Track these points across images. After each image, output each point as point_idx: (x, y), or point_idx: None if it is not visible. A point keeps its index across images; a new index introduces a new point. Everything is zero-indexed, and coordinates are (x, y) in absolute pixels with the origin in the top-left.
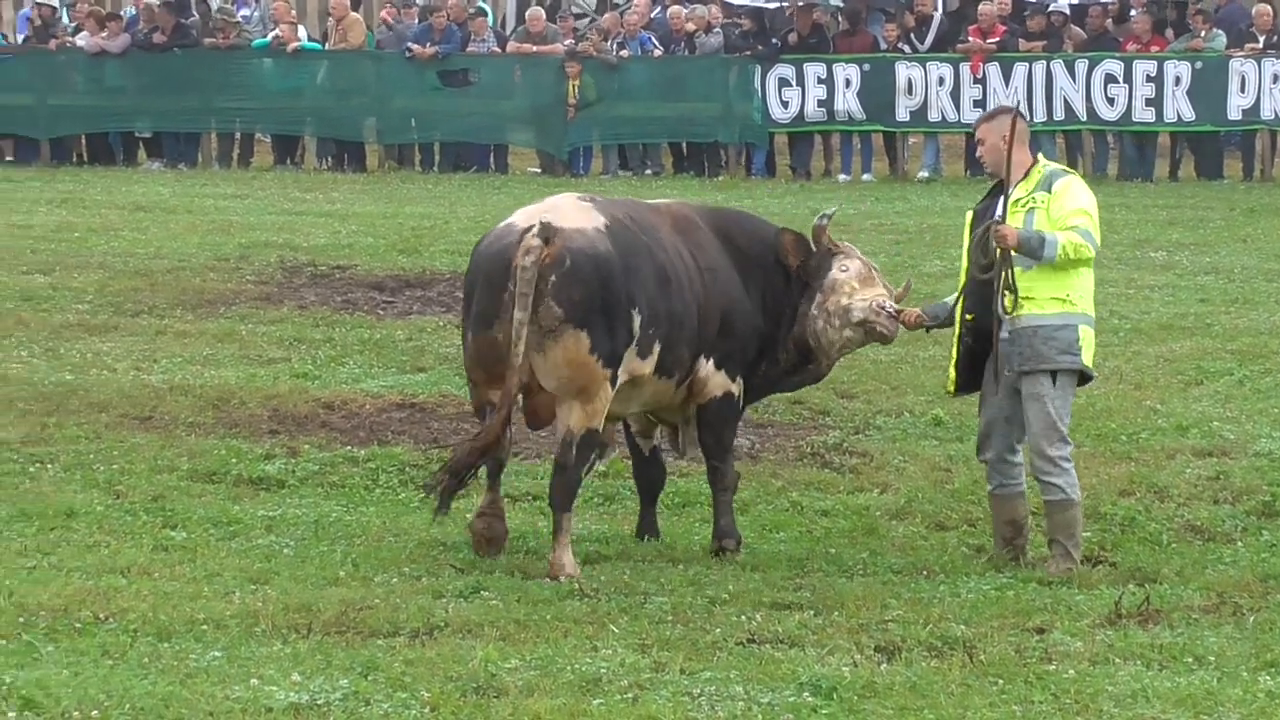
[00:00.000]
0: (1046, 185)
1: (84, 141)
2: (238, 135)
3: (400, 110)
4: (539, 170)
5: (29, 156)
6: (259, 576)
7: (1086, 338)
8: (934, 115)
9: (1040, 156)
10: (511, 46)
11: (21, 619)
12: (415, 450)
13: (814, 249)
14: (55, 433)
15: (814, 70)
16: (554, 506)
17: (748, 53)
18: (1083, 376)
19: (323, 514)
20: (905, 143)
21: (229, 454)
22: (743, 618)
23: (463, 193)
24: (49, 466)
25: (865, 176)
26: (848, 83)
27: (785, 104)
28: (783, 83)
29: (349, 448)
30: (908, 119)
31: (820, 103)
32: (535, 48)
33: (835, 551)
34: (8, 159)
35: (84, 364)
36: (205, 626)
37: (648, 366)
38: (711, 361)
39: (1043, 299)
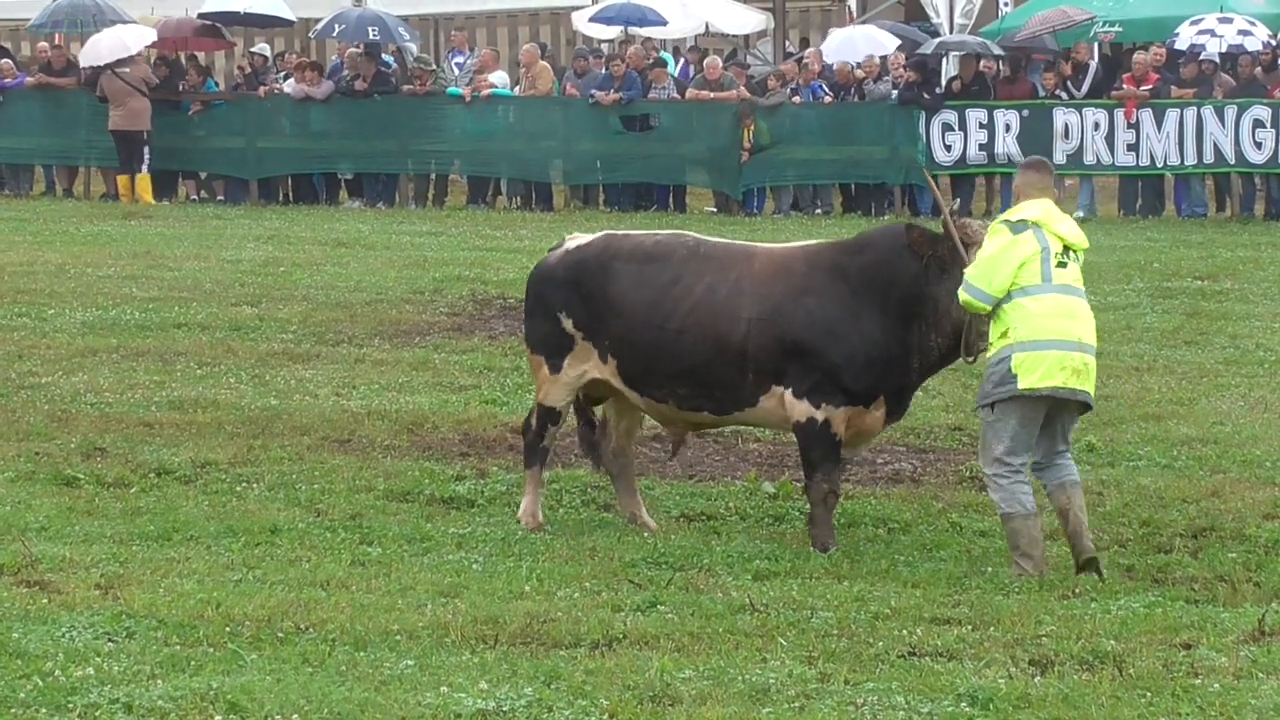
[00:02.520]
0: None
1: (290, 182)
2: (433, 176)
3: (585, 153)
4: (714, 210)
5: (239, 196)
6: (449, 590)
7: (1024, 363)
8: (1089, 158)
9: (1026, 203)
10: (690, 93)
11: (228, 629)
12: (596, 473)
13: (942, 239)
14: (261, 454)
15: (976, 116)
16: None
17: (915, 101)
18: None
19: (509, 532)
20: (1062, 184)
21: (422, 475)
22: (904, 632)
23: (641, 227)
24: (255, 486)
25: None
26: (1008, 127)
27: (948, 147)
28: (946, 127)
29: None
30: (1064, 161)
31: (981, 146)
32: (712, 94)
33: (992, 570)
34: (220, 198)
35: (288, 390)
36: (399, 637)
37: (607, 372)
38: (789, 390)
39: (994, 339)
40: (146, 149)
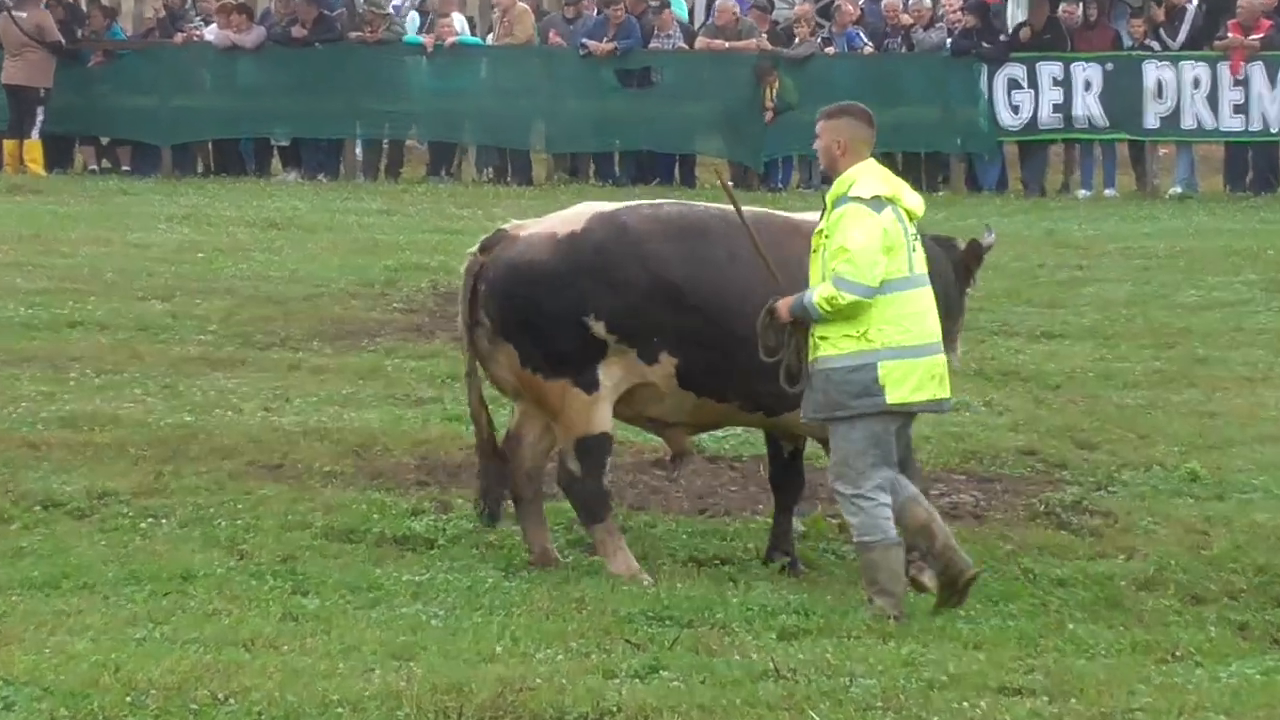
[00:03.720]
0: (833, 212)
1: (211, 149)
2: (386, 143)
3: (573, 115)
4: (731, 184)
5: (149, 166)
6: (403, 651)
7: (893, 373)
8: (1187, 122)
9: (859, 169)
10: (700, 43)
11: (129, 698)
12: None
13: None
14: (172, 483)
15: (1049, 70)
16: (584, 524)
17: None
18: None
19: (478, 579)
20: (1154, 154)
21: (371, 509)
22: (964, 704)
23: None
24: (164, 522)
25: (1108, 192)
26: (1088, 84)
27: (1015, 109)
28: (1012, 84)
29: (510, 503)
30: (1157, 126)
31: (1056, 107)
32: (727, 44)
33: (1073, 628)
34: (125, 169)
35: (206, 404)
36: (340, 709)
37: (656, 375)
38: None
39: (836, 337)
40: (41, 109)
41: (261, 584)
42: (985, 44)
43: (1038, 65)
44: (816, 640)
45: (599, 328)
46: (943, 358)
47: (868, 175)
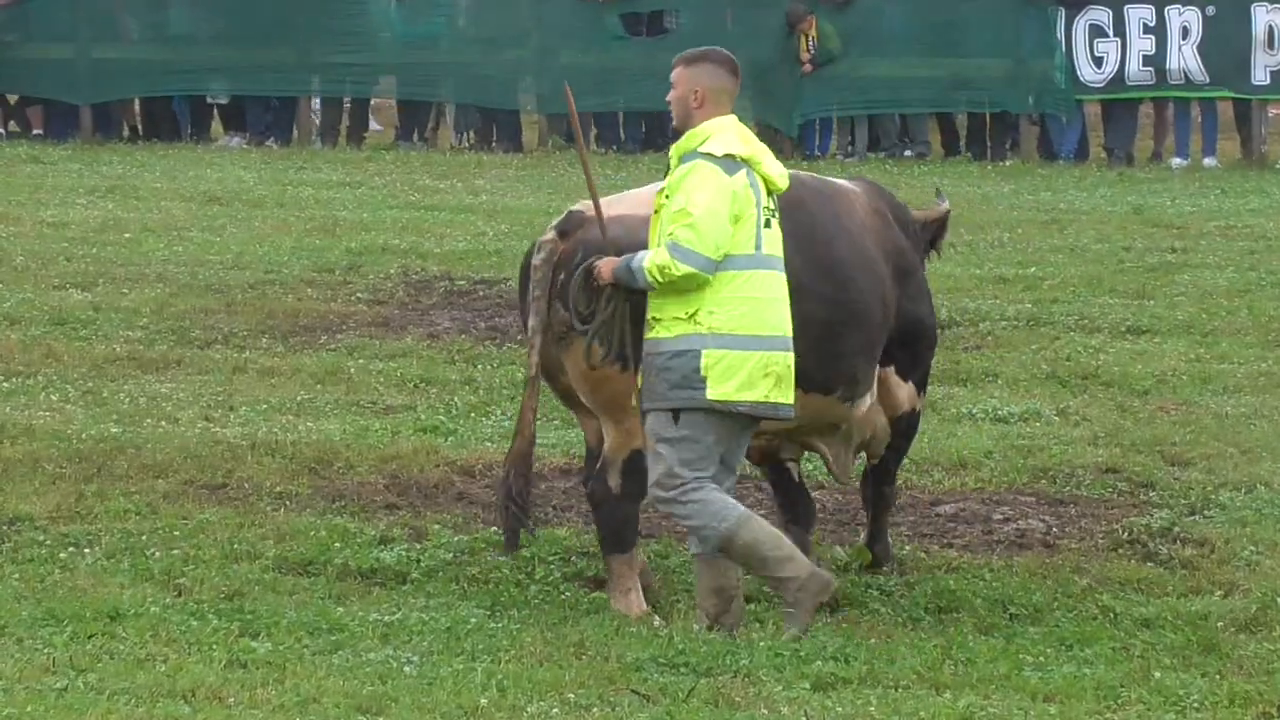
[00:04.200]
0: (679, 169)
1: (138, 109)
2: (348, 101)
3: (570, 68)
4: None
5: (65, 129)
6: (370, 704)
7: (719, 365)
8: None
9: (714, 124)
10: None
11: None
12: (586, 533)
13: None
14: (96, 505)
15: (1139, 14)
16: (604, 551)
17: None
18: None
19: (458, 619)
20: (1264, 115)
21: (331, 536)
22: None
23: (655, 180)
24: (87, 551)
25: (1207, 161)
26: (1185, 31)
27: (1099, 61)
28: (1095, 31)
29: (494, 529)
30: (1267, 82)
31: (1147, 59)
32: None
33: (1160, 676)
34: (36, 132)
35: (135, 412)
36: None
37: None
38: (894, 369)
39: (665, 319)
40: None
41: (203, 625)
42: None
43: (1125, 9)
44: (858, 691)
45: None
46: (786, 356)
47: (724, 131)
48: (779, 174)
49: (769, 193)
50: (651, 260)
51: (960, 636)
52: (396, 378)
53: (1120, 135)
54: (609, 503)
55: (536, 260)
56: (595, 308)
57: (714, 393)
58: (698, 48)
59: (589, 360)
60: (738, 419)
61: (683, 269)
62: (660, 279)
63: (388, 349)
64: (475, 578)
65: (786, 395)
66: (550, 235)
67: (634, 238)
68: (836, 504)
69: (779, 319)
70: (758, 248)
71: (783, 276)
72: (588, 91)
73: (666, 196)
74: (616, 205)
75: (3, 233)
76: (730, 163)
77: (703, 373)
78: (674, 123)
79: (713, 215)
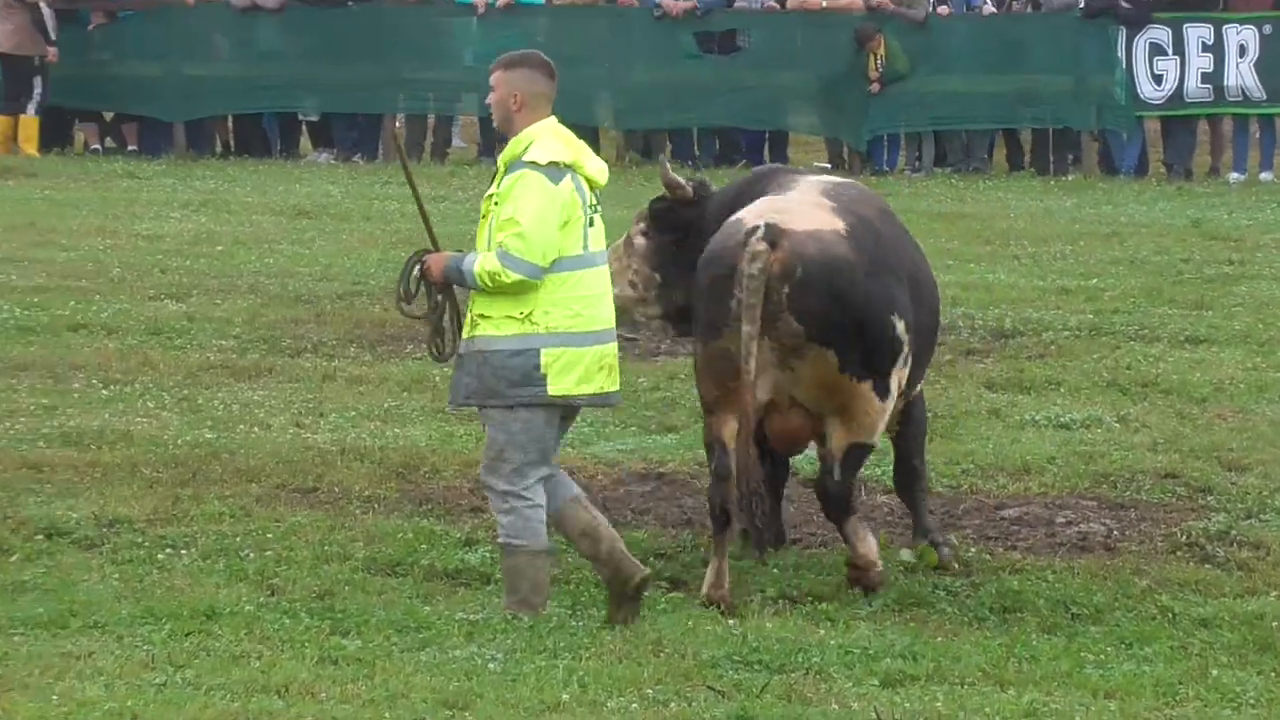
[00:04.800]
0: (506, 177)
1: (230, 126)
2: (432, 118)
3: (645, 85)
4: (829, 166)
5: (159, 145)
6: (456, 699)
7: (557, 361)
8: None
9: (536, 129)
10: (793, 2)
11: None
12: (663, 534)
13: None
14: (192, 509)
15: (1197, 33)
16: (837, 521)
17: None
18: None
19: (541, 618)
20: None
21: (418, 538)
22: None
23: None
24: (183, 552)
25: (1265, 176)
26: (1243, 50)
27: (1159, 78)
28: (1155, 50)
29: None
30: None
31: (1206, 76)
32: (825, 3)
33: (1218, 674)
34: (131, 148)
35: (228, 418)
36: None
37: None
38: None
39: (497, 318)
40: (39, 81)
41: (295, 623)
42: (1124, 3)
43: (1184, 27)
44: (925, 687)
45: (900, 327)
46: (614, 346)
47: (547, 136)
48: (600, 171)
49: (591, 189)
50: (482, 265)
51: (1024, 635)
52: None
53: (1179, 151)
54: (836, 492)
55: (753, 269)
56: (415, 296)
57: (555, 389)
58: (515, 51)
59: (432, 355)
60: (565, 410)
61: (513, 276)
62: (490, 284)
63: None
64: (556, 578)
65: (614, 383)
66: (762, 246)
67: (833, 251)
68: (902, 506)
69: (607, 313)
70: (585, 247)
71: (606, 271)
72: (663, 107)
73: (496, 204)
74: (800, 220)
75: (100, 245)
76: (555, 170)
77: (543, 370)
78: (495, 124)
79: (541, 224)
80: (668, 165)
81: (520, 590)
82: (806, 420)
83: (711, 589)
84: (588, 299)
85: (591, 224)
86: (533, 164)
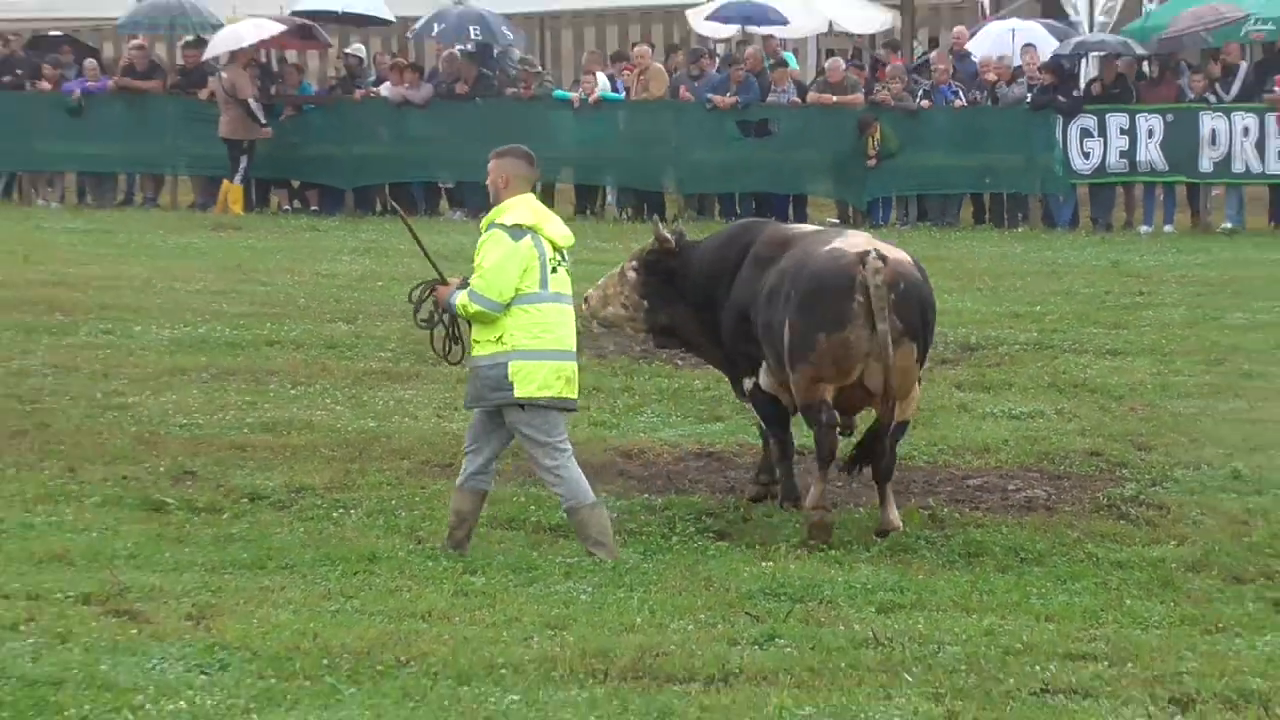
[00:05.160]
0: (484, 235)
1: (387, 191)
2: (538, 185)
3: (700, 161)
4: (837, 221)
5: (334, 206)
6: (557, 622)
7: (520, 371)
8: (1238, 166)
9: (512, 201)
10: (811, 97)
11: (325, 661)
12: (712, 499)
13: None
14: (359, 479)
15: (1117, 121)
16: (882, 480)
17: (1050, 104)
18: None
19: (620, 562)
20: (1208, 194)
21: (528, 501)
22: (1036, 668)
23: None
24: (352, 512)
25: (1167, 228)
26: (1151, 133)
27: (1087, 155)
28: (1084, 133)
29: (646, 496)
30: (1211, 170)
31: (1122, 153)
32: (835, 98)
33: (1130, 604)
34: (313, 208)
35: (386, 411)
36: (504, 671)
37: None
38: None
39: (483, 341)
40: (244, 159)
41: (436, 565)
42: (1061, 98)
43: (1107, 116)
44: (909, 614)
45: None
46: (571, 363)
47: (519, 207)
48: (559, 234)
49: (556, 249)
50: (459, 298)
51: (984, 574)
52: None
53: (1102, 209)
54: (888, 454)
55: (876, 280)
56: (433, 316)
57: (520, 392)
58: (507, 145)
59: (439, 354)
60: (544, 410)
61: (475, 308)
62: (463, 312)
63: None
64: (633, 531)
65: (572, 392)
66: (880, 264)
67: (915, 272)
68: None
69: (564, 336)
70: (544, 286)
71: (566, 306)
72: (713, 177)
73: (477, 253)
74: (890, 250)
75: (289, 282)
76: (518, 230)
77: (510, 378)
78: (490, 199)
79: (498, 271)
80: (659, 225)
81: (592, 535)
82: (866, 397)
83: (814, 508)
84: (545, 324)
85: (554, 271)
86: (501, 225)
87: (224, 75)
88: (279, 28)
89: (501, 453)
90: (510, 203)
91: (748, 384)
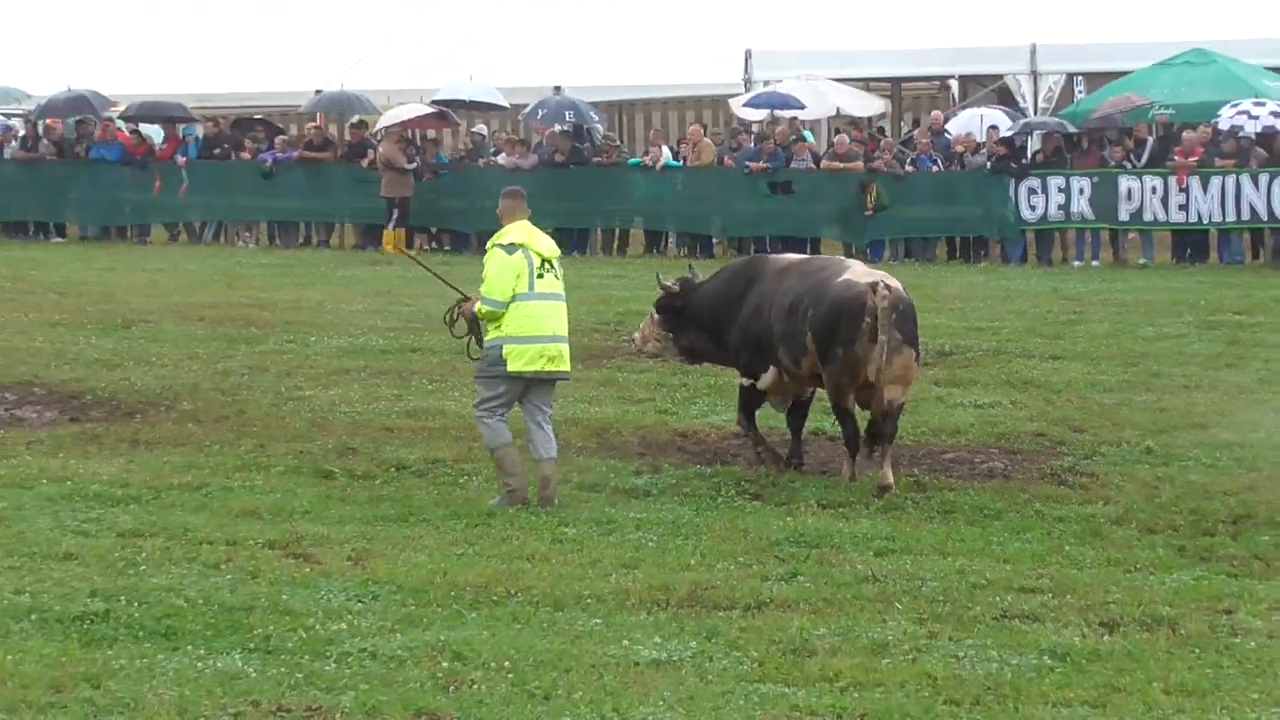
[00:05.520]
0: (488, 253)
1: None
2: (616, 230)
3: (740, 211)
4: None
5: (461, 246)
6: (629, 563)
7: (512, 352)
8: (1148, 216)
9: (509, 226)
10: (824, 164)
11: (453, 593)
12: (748, 469)
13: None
14: (479, 454)
15: (1055, 182)
16: (885, 442)
17: (1005, 170)
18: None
19: (678, 517)
20: (1125, 238)
21: (608, 471)
22: (997, 599)
23: None
24: (474, 479)
25: (1094, 263)
26: (1081, 191)
27: (1033, 208)
28: (1031, 191)
29: (699, 466)
30: (1128, 219)
31: (1060, 206)
32: (842, 165)
33: (1069, 549)
34: (446, 248)
35: None
36: (589, 600)
37: None
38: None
39: (491, 330)
40: (396, 211)
41: (538, 519)
42: (1013, 165)
43: (1048, 179)
44: (900, 557)
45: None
46: (556, 345)
47: (515, 230)
48: (545, 247)
49: (544, 260)
50: (477, 305)
51: (956, 527)
52: (644, 383)
53: (1045, 249)
54: (891, 431)
55: (883, 304)
56: (467, 328)
57: (511, 367)
58: (508, 188)
59: (469, 354)
60: (519, 380)
61: (485, 308)
62: (480, 314)
63: (638, 367)
64: (688, 494)
65: (561, 366)
66: (887, 291)
67: (907, 294)
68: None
69: (550, 325)
70: (532, 289)
71: (556, 302)
72: (749, 224)
73: (484, 268)
74: (888, 279)
75: (429, 304)
76: (510, 247)
77: (504, 356)
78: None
79: (497, 278)
80: (661, 277)
81: (505, 468)
82: (870, 390)
83: (849, 479)
84: (532, 317)
85: (541, 276)
86: (499, 245)
87: (381, 148)
88: (422, 110)
89: (540, 419)
90: (508, 228)
91: (746, 384)
